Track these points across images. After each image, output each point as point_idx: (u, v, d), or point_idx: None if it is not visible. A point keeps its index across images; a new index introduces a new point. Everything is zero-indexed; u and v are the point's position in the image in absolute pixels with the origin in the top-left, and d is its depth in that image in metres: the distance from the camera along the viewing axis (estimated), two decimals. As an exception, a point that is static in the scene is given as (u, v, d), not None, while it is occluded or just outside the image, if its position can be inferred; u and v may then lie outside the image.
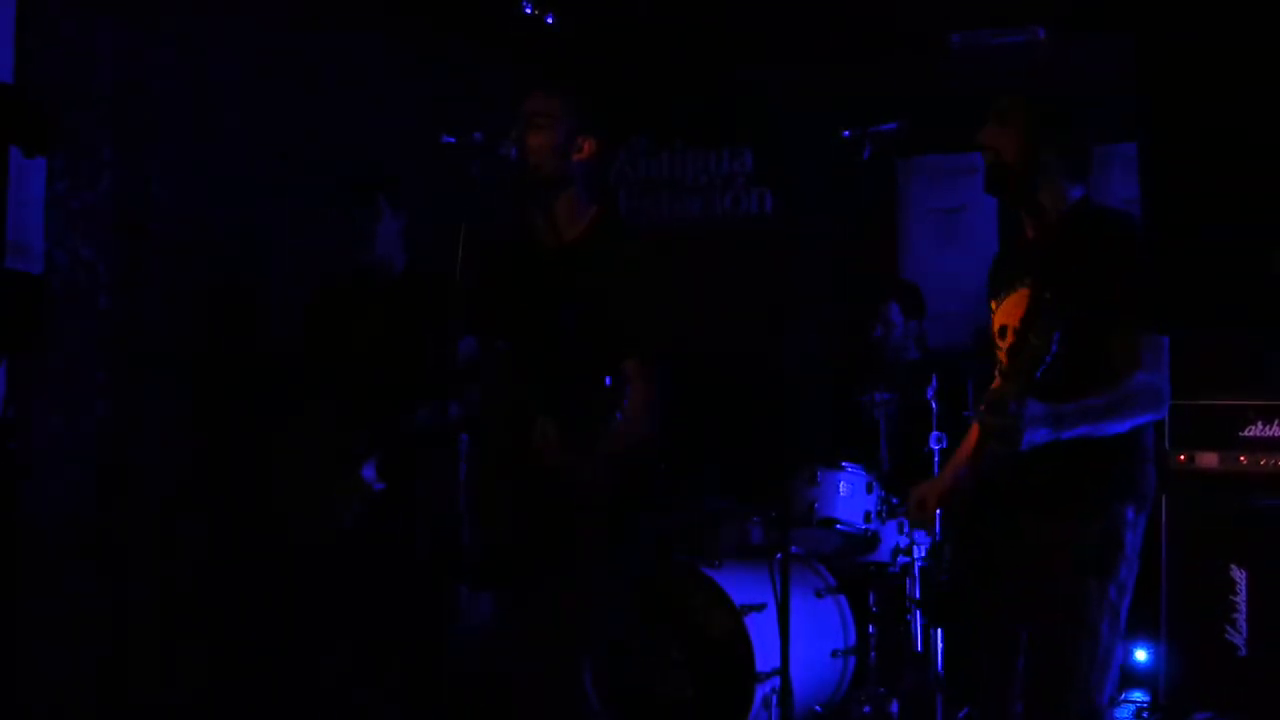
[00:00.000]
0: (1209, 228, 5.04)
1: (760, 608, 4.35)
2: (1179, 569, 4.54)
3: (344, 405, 4.01)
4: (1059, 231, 2.97)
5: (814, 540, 4.79)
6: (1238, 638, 4.45)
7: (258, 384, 4.47)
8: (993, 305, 3.10)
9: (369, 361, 4.01)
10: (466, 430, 3.39)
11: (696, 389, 3.08)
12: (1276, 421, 4.54)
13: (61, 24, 3.93)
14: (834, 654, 4.68)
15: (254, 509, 4.37)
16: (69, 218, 3.97)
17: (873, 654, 4.74)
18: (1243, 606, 4.45)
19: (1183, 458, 4.60)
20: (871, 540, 4.73)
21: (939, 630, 4.29)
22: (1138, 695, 4.78)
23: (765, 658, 4.24)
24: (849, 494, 4.72)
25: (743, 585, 4.42)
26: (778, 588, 3.55)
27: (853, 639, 4.78)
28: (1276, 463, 4.50)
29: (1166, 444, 4.56)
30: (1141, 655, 4.83)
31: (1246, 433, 4.56)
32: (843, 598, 4.85)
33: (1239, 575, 4.47)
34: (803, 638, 4.28)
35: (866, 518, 4.70)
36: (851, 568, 4.87)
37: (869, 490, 4.73)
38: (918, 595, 4.57)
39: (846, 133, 3.55)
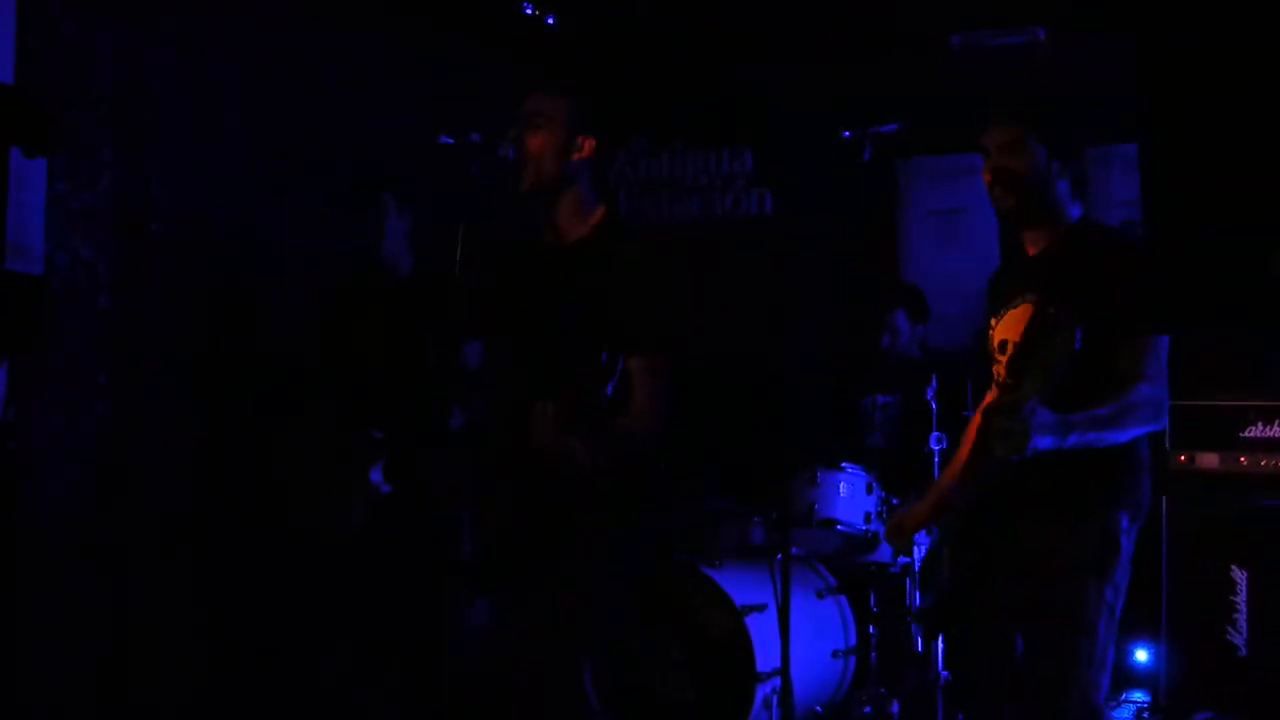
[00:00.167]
0: (1209, 228, 5.03)
1: (761, 608, 4.34)
2: (1179, 569, 4.54)
3: (349, 406, 4.01)
4: (1061, 248, 3.00)
5: (814, 541, 4.79)
6: (1238, 638, 4.45)
7: (258, 384, 4.47)
8: (992, 322, 3.12)
9: (373, 362, 4.02)
10: (472, 434, 3.40)
11: (697, 389, 3.08)
12: (1277, 422, 4.53)
13: (61, 24, 3.93)
14: (834, 654, 4.68)
15: (254, 509, 4.37)
16: (69, 218, 3.97)
17: (873, 654, 4.74)
18: (1243, 607, 4.45)
19: (1183, 458, 4.60)
20: (872, 541, 4.73)
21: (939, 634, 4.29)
22: (1138, 695, 4.77)
23: (766, 658, 4.24)
24: (849, 495, 4.72)
25: (743, 585, 4.42)
26: (778, 588, 3.55)
27: (853, 639, 4.78)
28: (1277, 463, 4.49)
29: (1167, 444, 4.55)
30: (1142, 655, 4.83)
31: (1247, 433, 4.56)
32: (843, 598, 4.85)
33: (1239, 576, 4.46)
34: (803, 638, 4.27)
35: (867, 518, 4.70)
36: (852, 568, 4.87)
37: (869, 491, 4.73)
38: (916, 604, 4.58)
39: (847, 133, 3.56)
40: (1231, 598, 4.46)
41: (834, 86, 5.79)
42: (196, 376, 4.36)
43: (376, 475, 3.76)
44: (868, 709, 4.65)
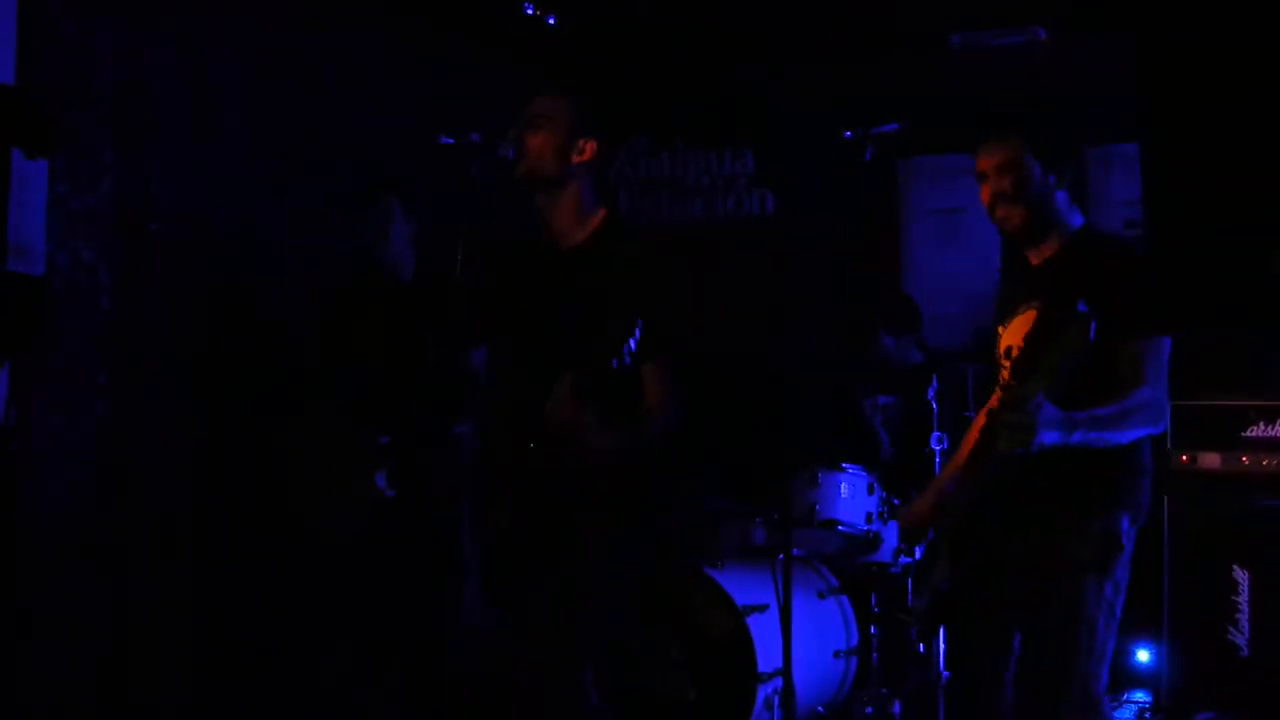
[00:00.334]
0: (1209, 228, 5.03)
1: (762, 608, 4.34)
2: (1181, 569, 4.54)
3: (350, 406, 4.02)
4: (1064, 257, 3.02)
5: (816, 541, 4.78)
6: (1240, 638, 4.45)
7: (258, 384, 4.47)
8: (999, 330, 3.13)
9: (374, 362, 4.02)
10: (476, 436, 3.40)
11: (698, 389, 3.08)
12: (1278, 422, 4.53)
13: (61, 24, 3.93)
14: (836, 655, 4.67)
15: (255, 509, 4.37)
16: (70, 219, 3.97)
17: (875, 655, 4.74)
18: (1245, 607, 4.45)
19: (1185, 458, 4.60)
20: (873, 541, 4.72)
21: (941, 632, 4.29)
22: (1140, 696, 4.77)
23: (767, 658, 4.23)
24: (850, 495, 4.71)
25: (745, 586, 4.42)
26: (780, 588, 3.55)
27: (855, 639, 4.78)
28: (1278, 463, 4.49)
29: (1169, 444, 4.55)
30: (1144, 656, 4.83)
31: (1248, 433, 4.56)
32: (845, 598, 4.84)
33: (1241, 576, 4.46)
34: (805, 638, 4.27)
35: (868, 519, 4.69)
36: (853, 568, 4.87)
37: (870, 491, 4.73)
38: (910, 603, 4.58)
39: (848, 133, 3.56)
40: (1233, 598, 4.46)
41: (835, 86, 5.79)
42: (196, 376, 4.36)
43: (381, 480, 3.77)
44: (869, 709, 4.64)
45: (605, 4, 5.62)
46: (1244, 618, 4.45)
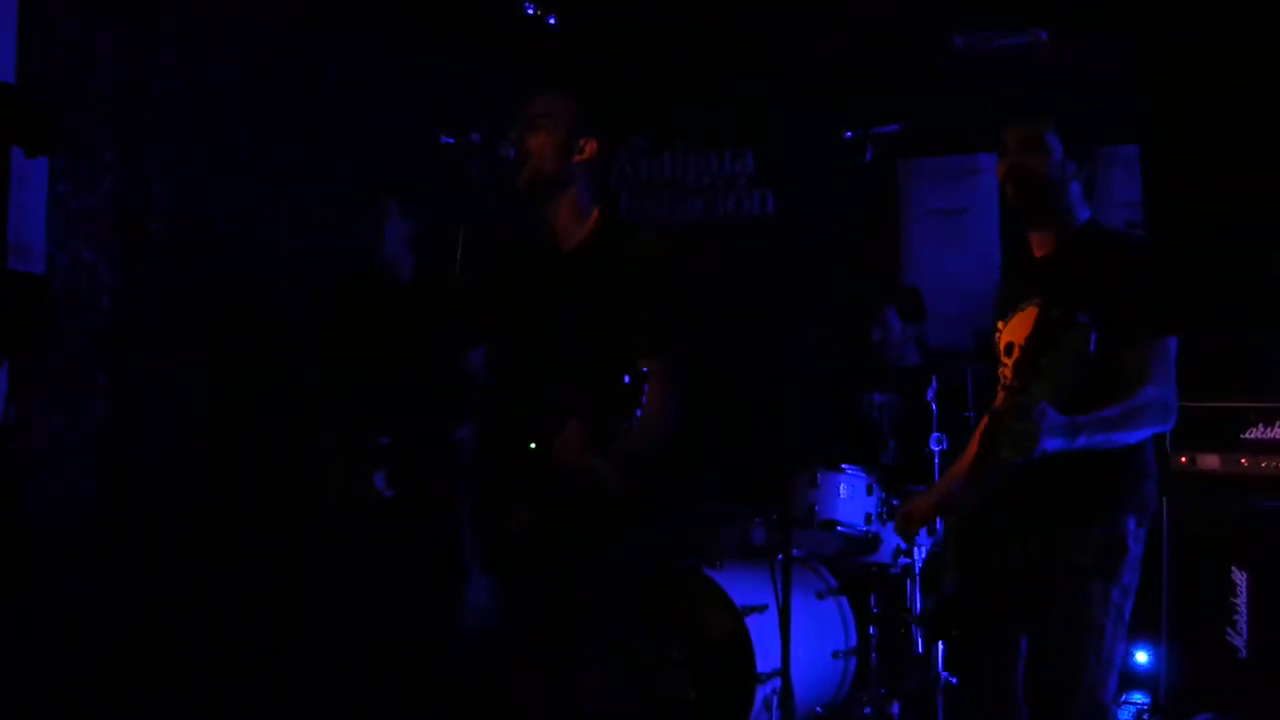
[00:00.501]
0: (1209, 228, 5.03)
1: (761, 609, 4.34)
2: (1180, 571, 4.54)
3: (350, 406, 4.02)
4: (1069, 251, 3.01)
5: (815, 542, 4.79)
6: (1238, 640, 4.45)
7: (258, 384, 4.47)
8: (999, 325, 3.12)
9: (374, 362, 4.02)
10: (477, 438, 3.41)
11: (697, 389, 3.08)
12: (1278, 423, 4.53)
13: (61, 24, 3.93)
14: (835, 655, 4.68)
15: (255, 509, 4.37)
16: (70, 219, 3.97)
17: (874, 655, 4.74)
18: (1244, 608, 4.45)
19: (1184, 459, 4.60)
20: (872, 542, 4.72)
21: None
22: (1138, 697, 4.77)
23: (766, 659, 4.24)
24: (849, 496, 4.72)
25: (744, 586, 4.42)
26: (779, 589, 3.55)
27: (854, 640, 4.78)
28: (1277, 465, 4.49)
29: (1168, 446, 4.55)
30: (1142, 657, 4.83)
31: (1247, 435, 4.55)
32: (844, 599, 4.85)
33: (1240, 577, 4.46)
34: (804, 639, 4.27)
35: (867, 519, 4.69)
36: (852, 569, 4.87)
37: (869, 492, 4.73)
38: (917, 609, 4.58)
39: (848, 134, 3.56)
40: (1232, 599, 4.46)
41: (835, 87, 5.79)
42: (196, 376, 4.36)
43: (380, 481, 3.77)
44: (868, 710, 4.64)
45: (605, 4, 5.62)
46: (1242, 619, 4.44)
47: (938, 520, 3.48)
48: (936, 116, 5.03)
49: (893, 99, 4.90)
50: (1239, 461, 4.54)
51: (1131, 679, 4.80)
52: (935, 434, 4.59)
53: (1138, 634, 4.73)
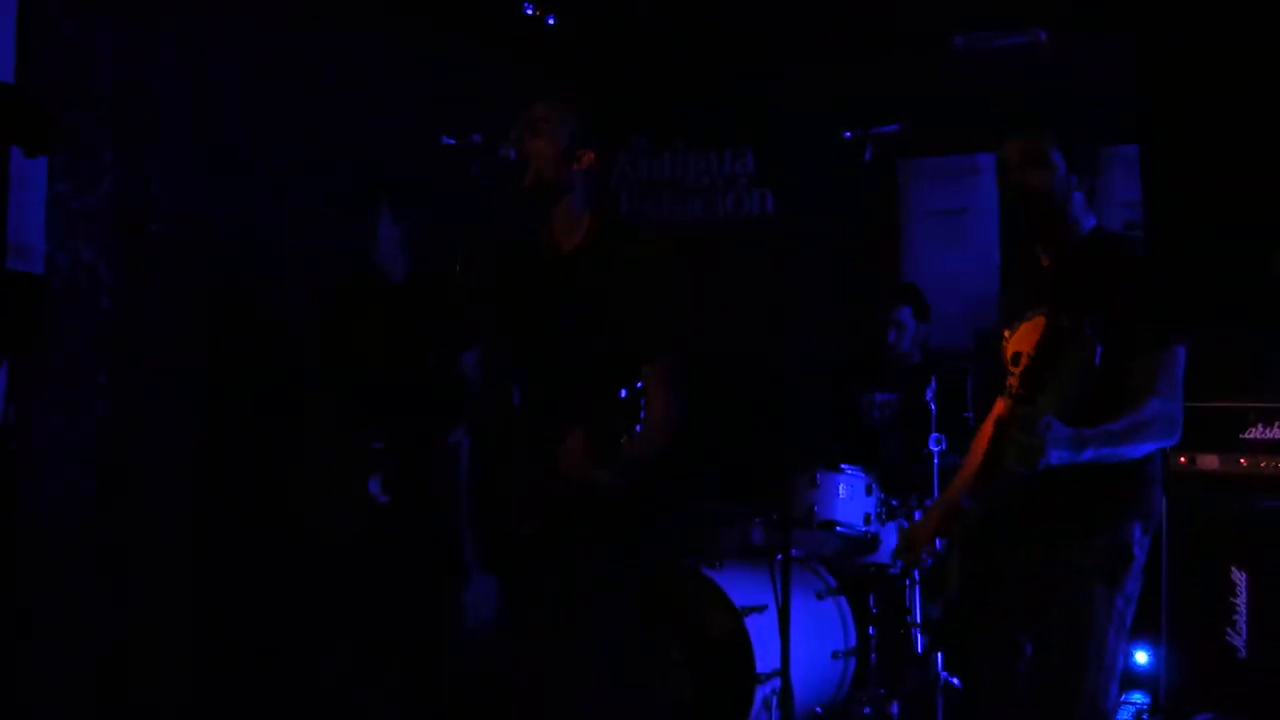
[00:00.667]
0: (1209, 228, 5.03)
1: (761, 609, 4.34)
2: (1179, 571, 4.54)
3: (349, 406, 4.02)
4: (1075, 260, 3.00)
5: (814, 542, 4.79)
6: (1238, 640, 4.45)
7: (258, 384, 4.47)
8: (1005, 334, 3.11)
9: (373, 363, 4.02)
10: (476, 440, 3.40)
11: (697, 390, 3.08)
12: (1277, 424, 4.53)
13: (61, 24, 3.93)
14: (834, 655, 4.68)
15: (255, 509, 4.37)
16: (70, 218, 3.97)
17: (873, 655, 4.74)
18: (1243, 608, 4.45)
19: (1183, 460, 4.60)
20: (871, 542, 4.73)
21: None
22: (1138, 697, 4.77)
23: (766, 659, 4.24)
24: (849, 496, 4.72)
25: (743, 587, 4.42)
26: (778, 589, 3.55)
27: (853, 640, 4.78)
28: (1277, 465, 4.49)
29: (1168, 446, 4.55)
30: (1142, 657, 4.83)
31: (1247, 435, 4.55)
32: (843, 599, 4.85)
33: (1239, 577, 4.46)
34: (803, 639, 4.27)
35: (866, 520, 4.70)
36: (852, 569, 4.87)
37: (869, 492, 4.73)
38: (917, 612, 4.58)
39: (848, 134, 3.56)
40: (1231, 599, 4.46)
41: (835, 87, 5.79)
42: (196, 376, 4.36)
43: (374, 486, 3.78)
44: (867, 710, 4.64)
45: (605, 4, 5.62)
46: (1242, 619, 4.45)
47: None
48: (936, 116, 5.03)
49: (893, 99, 4.90)
50: (1239, 461, 4.54)
51: (1131, 679, 4.80)
52: (935, 434, 4.59)
53: (1138, 634, 4.73)
